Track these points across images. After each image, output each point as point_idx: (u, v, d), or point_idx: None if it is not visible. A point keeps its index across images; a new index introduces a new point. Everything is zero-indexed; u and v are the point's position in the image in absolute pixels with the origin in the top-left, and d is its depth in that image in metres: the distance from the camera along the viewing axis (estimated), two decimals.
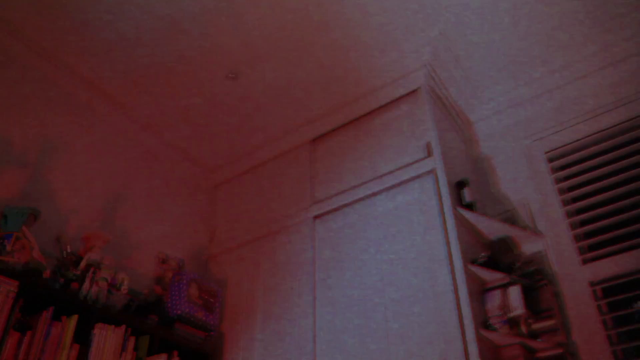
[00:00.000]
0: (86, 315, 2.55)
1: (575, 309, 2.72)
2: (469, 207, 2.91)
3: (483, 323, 2.59)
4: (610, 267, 2.74)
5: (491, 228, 2.94)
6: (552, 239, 2.96)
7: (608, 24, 3.08)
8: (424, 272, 2.69)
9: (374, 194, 3.15)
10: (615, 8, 3.00)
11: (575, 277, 2.80)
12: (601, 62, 3.21)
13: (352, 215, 3.19)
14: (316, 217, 3.36)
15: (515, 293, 2.60)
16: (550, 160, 3.21)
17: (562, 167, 3.17)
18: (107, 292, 2.72)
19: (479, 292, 2.71)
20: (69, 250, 2.71)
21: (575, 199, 3.05)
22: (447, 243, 2.69)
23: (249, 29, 3.11)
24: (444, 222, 2.76)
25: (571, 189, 3.08)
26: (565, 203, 3.04)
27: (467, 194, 2.95)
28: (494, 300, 2.64)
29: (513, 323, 2.59)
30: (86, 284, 2.63)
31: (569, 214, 3.00)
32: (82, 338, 2.50)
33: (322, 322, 2.96)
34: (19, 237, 2.46)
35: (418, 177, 3.00)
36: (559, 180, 3.12)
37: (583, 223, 2.97)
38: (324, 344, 2.88)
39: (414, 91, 3.30)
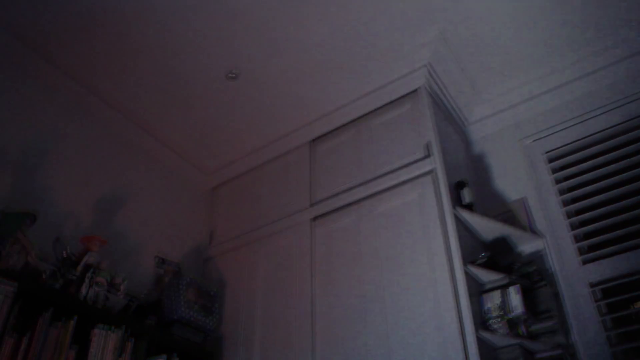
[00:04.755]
0: (85, 316, 2.55)
1: (574, 309, 2.72)
2: (469, 207, 2.91)
3: (482, 324, 2.59)
4: (609, 267, 2.74)
5: (490, 228, 2.94)
6: (551, 239, 2.96)
7: (607, 24, 3.08)
8: (423, 273, 2.69)
9: (373, 195, 3.15)
10: (615, 9, 3.00)
11: (575, 278, 2.80)
12: (600, 63, 3.21)
13: (351, 216, 3.18)
14: (315, 218, 3.36)
15: (514, 293, 2.60)
16: (550, 160, 3.20)
17: (562, 168, 3.17)
18: (105, 293, 2.72)
19: (479, 292, 2.71)
20: (67, 252, 2.70)
21: (574, 200, 3.05)
22: (447, 243, 2.69)
23: (249, 28, 3.11)
24: (444, 222, 2.76)
25: (571, 189, 3.08)
26: (565, 203, 3.04)
27: (467, 195, 2.95)
28: (493, 300, 2.63)
29: (512, 324, 2.59)
30: (85, 286, 2.63)
31: (569, 215, 3.00)
32: (81, 340, 2.49)
33: (321, 323, 2.96)
34: (16, 240, 2.45)
35: (417, 177, 3.00)
36: (558, 181, 3.12)
37: (582, 223, 2.97)
38: (323, 345, 2.87)
39: (413, 91, 3.30)
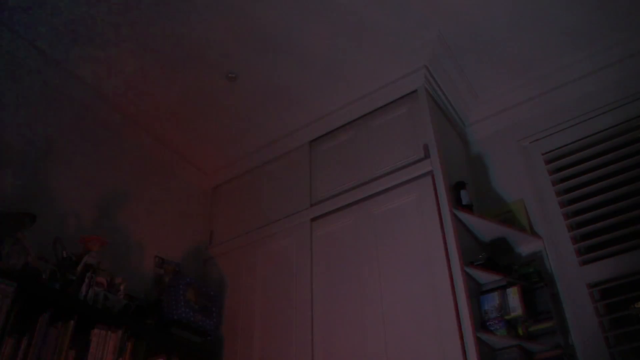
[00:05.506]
0: (84, 317, 2.54)
1: (573, 310, 2.72)
2: (467, 208, 2.91)
3: (481, 325, 2.59)
4: (608, 268, 2.74)
5: (489, 229, 2.94)
6: (550, 240, 2.96)
7: (606, 25, 3.08)
8: (422, 274, 2.70)
9: (372, 196, 3.15)
10: (614, 10, 3.00)
11: (574, 279, 2.80)
12: (599, 64, 3.22)
13: (350, 217, 3.18)
14: (314, 218, 3.36)
15: (513, 294, 2.60)
16: (548, 161, 3.21)
17: (560, 169, 3.17)
18: (104, 294, 2.72)
19: (478, 293, 2.71)
20: (67, 252, 2.70)
21: (573, 201, 3.05)
22: (445, 244, 2.69)
23: (249, 29, 3.11)
24: (442, 223, 2.77)
25: (569, 190, 3.08)
26: (563, 204, 3.04)
27: (465, 196, 2.95)
28: (492, 301, 2.63)
29: (511, 325, 2.59)
30: (84, 287, 2.62)
31: (567, 216, 3.00)
32: (80, 341, 2.49)
33: (320, 324, 2.96)
34: (16, 240, 2.45)
35: (416, 178, 3.00)
36: (556, 182, 3.12)
37: (581, 224, 2.97)
38: (322, 346, 2.88)
39: (412, 92, 3.31)
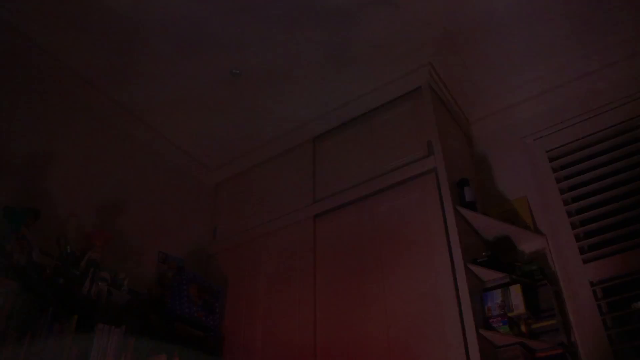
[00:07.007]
0: (87, 313, 2.55)
1: (575, 308, 2.72)
2: (470, 206, 2.90)
3: (483, 323, 2.59)
4: (611, 266, 2.73)
5: (492, 227, 2.94)
6: (552, 238, 2.95)
7: (608, 24, 3.06)
8: (425, 271, 2.70)
9: (375, 193, 3.15)
10: (616, 9, 2.98)
11: (576, 277, 2.79)
12: (602, 62, 3.20)
13: (353, 214, 3.19)
14: (317, 215, 3.36)
15: (515, 292, 2.60)
16: (551, 159, 3.20)
17: (563, 167, 3.16)
18: (107, 291, 2.72)
19: (480, 291, 2.71)
20: (69, 250, 2.71)
21: (575, 199, 3.04)
22: (448, 242, 2.69)
23: (251, 27, 3.10)
24: (445, 221, 2.76)
25: (572, 188, 3.07)
26: (566, 202, 3.03)
27: (468, 193, 2.94)
28: (494, 299, 2.63)
29: (513, 323, 2.59)
30: (86, 284, 2.63)
31: (570, 214, 2.99)
32: (82, 338, 2.50)
33: (322, 320, 2.96)
34: (18, 238, 2.46)
35: (419, 175, 3.00)
36: (559, 180, 3.11)
37: (584, 222, 2.96)
38: (324, 341, 2.88)
39: (415, 90, 3.30)
